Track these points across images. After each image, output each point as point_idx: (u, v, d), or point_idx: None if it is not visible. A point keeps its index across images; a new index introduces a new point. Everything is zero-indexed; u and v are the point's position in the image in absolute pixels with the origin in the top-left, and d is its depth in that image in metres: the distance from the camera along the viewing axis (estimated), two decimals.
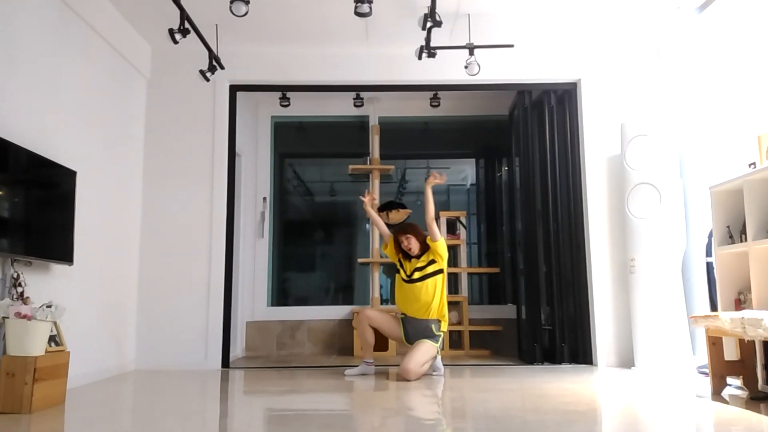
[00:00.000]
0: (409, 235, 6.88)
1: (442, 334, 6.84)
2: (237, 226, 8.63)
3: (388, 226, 7.42)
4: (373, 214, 7.24)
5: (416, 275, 6.84)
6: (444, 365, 7.14)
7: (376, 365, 7.03)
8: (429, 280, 6.80)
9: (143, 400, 5.45)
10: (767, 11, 5.99)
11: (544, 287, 8.09)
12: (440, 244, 6.81)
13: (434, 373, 6.86)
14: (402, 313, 6.98)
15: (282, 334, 9.53)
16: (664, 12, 7.13)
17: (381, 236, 7.34)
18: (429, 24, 6.42)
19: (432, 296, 6.79)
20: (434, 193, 7.01)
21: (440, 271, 6.84)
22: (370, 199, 7.25)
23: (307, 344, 9.51)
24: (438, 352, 6.82)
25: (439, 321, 6.83)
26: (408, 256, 6.94)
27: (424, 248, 6.89)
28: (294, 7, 7.02)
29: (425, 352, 6.62)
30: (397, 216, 9.20)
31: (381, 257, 9.35)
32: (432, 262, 6.84)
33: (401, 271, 6.99)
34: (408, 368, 6.40)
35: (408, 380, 6.36)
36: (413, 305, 6.86)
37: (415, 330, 6.82)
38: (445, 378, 6.65)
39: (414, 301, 6.84)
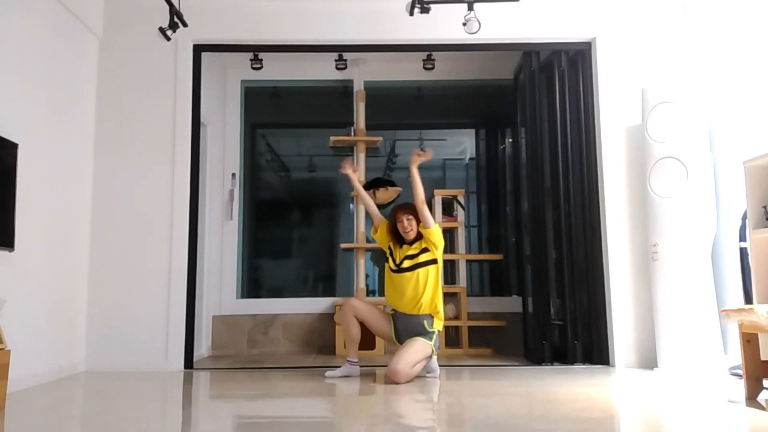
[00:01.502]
0: (411, 216, 6.84)
1: (436, 331, 6.81)
2: (202, 206, 8.61)
3: (379, 207, 7.39)
4: (360, 188, 7.20)
5: (406, 263, 6.80)
6: (440, 366, 7.12)
7: (361, 366, 7.00)
8: (420, 270, 6.75)
9: (94, 405, 5.42)
10: None
11: (553, 276, 8.07)
12: (434, 231, 6.75)
13: (428, 375, 6.84)
14: (392, 309, 6.96)
15: (253, 330, 9.50)
16: None
17: (369, 217, 7.29)
18: None
19: (423, 288, 6.74)
20: (424, 170, 6.97)
21: (434, 261, 6.80)
22: (353, 169, 7.19)
23: (283, 342, 9.49)
24: (433, 352, 6.78)
25: (432, 317, 6.80)
26: (401, 241, 6.91)
27: (417, 236, 6.87)
28: None
29: (417, 351, 6.58)
30: (386, 195, 9.19)
31: (368, 242, 9.34)
32: (425, 250, 6.81)
33: (390, 259, 6.96)
34: (397, 369, 6.33)
35: (397, 383, 6.31)
36: (402, 299, 6.82)
37: (405, 327, 6.79)
38: (441, 380, 6.65)
39: (402, 294, 6.81)
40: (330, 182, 10.51)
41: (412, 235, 6.82)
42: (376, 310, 7.00)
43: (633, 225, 7.75)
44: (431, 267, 6.78)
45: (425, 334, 6.71)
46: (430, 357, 6.77)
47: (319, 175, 10.68)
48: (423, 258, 6.78)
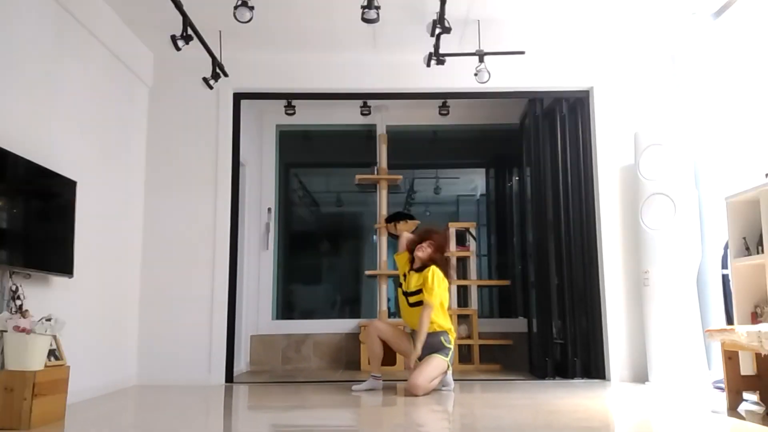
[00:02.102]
0: (427, 243, 6.89)
1: (452, 347, 6.82)
2: (241, 237, 8.61)
3: (397, 236, 7.43)
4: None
5: (411, 299, 6.88)
6: (454, 380, 7.10)
7: (383, 380, 7.00)
8: (419, 308, 6.80)
9: (145, 416, 5.45)
10: None
11: (555, 300, 8.04)
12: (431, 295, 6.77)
13: (444, 389, 6.84)
14: (411, 329, 6.97)
15: (287, 348, 9.51)
16: (679, 18, 7.12)
17: (391, 247, 7.30)
18: (438, 30, 6.42)
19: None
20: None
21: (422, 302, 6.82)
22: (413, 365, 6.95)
23: (313, 358, 9.49)
24: (449, 367, 6.79)
25: (447, 333, 6.82)
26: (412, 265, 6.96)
27: (424, 267, 6.89)
28: (299, 14, 7.03)
29: (435, 367, 6.59)
30: (405, 227, 9.17)
31: (389, 269, 9.35)
32: (420, 291, 6.82)
33: (403, 284, 7.01)
34: (416, 383, 6.35)
35: (416, 395, 6.32)
36: (414, 320, 6.85)
37: (427, 344, 6.75)
38: (455, 393, 6.65)
39: (414, 318, 6.82)
40: (356, 216, 10.56)
41: (418, 262, 6.88)
42: (397, 330, 7.02)
43: (626, 254, 7.73)
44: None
45: (443, 349, 6.70)
46: (446, 372, 6.80)
47: (346, 210, 10.74)
48: (418, 298, 6.81)
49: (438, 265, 6.86)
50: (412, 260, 7.00)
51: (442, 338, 6.75)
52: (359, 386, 6.88)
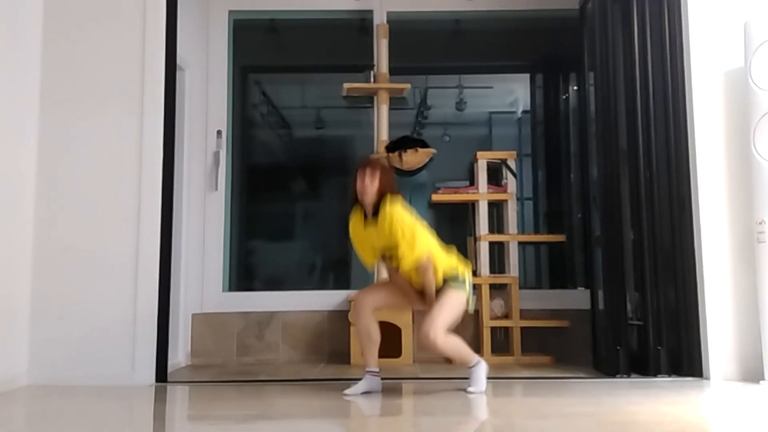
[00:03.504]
0: (368, 178, 6.76)
1: (467, 278, 6.86)
2: (179, 172, 8.57)
3: (403, 172, 7.37)
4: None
5: (393, 262, 6.85)
6: (487, 379, 7.09)
7: (384, 378, 6.98)
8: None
9: (38, 429, 5.43)
10: None
11: (631, 264, 8.03)
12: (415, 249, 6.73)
13: (470, 390, 6.82)
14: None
15: (245, 333, 9.53)
16: None
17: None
18: None
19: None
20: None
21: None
22: None
23: (282, 347, 9.52)
24: (470, 302, 6.86)
25: (454, 272, 6.82)
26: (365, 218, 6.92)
27: (377, 209, 6.82)
28: None
29: (452, 304, 6.66)
30: (415, 159, 9.18)
31: None
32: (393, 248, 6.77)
33: (385, 260, 7.01)
34: (428, 330, 6.42)
35: (433, 346, 6.42)
36: (416, 281, 6.88)
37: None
38: (487, 396, 6.64)
39: (411, 280, 6.88)
40: (344, 142, 10.52)
41: (368, 196, 6.77)
42: (391, 284, 7.01)
43: (733, 197, 7.69)
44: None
45: (455, 280, 6.74)
46: (467, 309, 6.85)
47: (330, 133, 10.69)
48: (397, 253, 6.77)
49: (389, 191, 6.82)
50: (365, 215, 6.97)
51: (451, 283, 6.77)
52: (354, 389, 6.81)
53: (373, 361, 6.91)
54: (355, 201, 6.89)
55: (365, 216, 6.84)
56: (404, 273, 6.78)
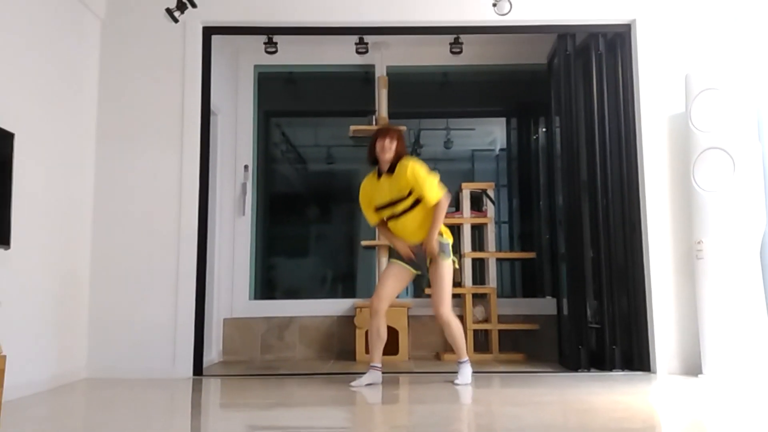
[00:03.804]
0: (388, 139, 6.90)
1: (449, 241, 6.95)
2: (212, 200, 8.61)
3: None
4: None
5: (399, 207, 6.88)
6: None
7: (384, 372, 6.98)
8: (417, 208, 6.85)
9: (95, 416, 5.44)
10: None
11: (590, 276, 8.06)
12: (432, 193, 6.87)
13: (457, 382, 6.83)
14: (397, 255, 7.05)
15: (267, 334, 9.52)
16: None
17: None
18: None
19: (424, 216, 6.86)
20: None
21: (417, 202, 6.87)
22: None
23: (299, 346, 9.51)
24: (455, 262, 7.01)
25: (441, 233, 6.93)
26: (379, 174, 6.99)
27: (394, 166, 6.92)
28: None
29: (446, 275, 6.88)
30: None
31: None
32: (406, 197, 6.84)
33: (385, 211, 7.00)
34: (440, 310, 6.83)
35: (441, 319, 6.86)
36: (405, 231, 6.95)
37: (421, 252, 6.92)
38: (470, 388, 6.64)
39: (404, 229, 6.94)
40: (349, 175, 10.51)
41: (389, 155, 6.86)
42: (391, 278, 7.01)
43: (676, 221, 7.71)
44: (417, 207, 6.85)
45: (443, 249, 6.84)
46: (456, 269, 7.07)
47: (338, 168, 10.71)
48: (406, 204, 6.84)
49: (404, 153, 6.99)
50: (378, 172, 7.00)
51: (440, 253, 6.86)
52: (359, 381, 6.84)
53: (378, 358, 6.92)
54: (372, 162, 7.01)
55: (379, 175, 6.93)
56: (404, 226, 6.86)
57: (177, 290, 7.61)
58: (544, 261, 9.96)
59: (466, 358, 6.94)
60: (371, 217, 7.12)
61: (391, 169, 6.86)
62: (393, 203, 6.84)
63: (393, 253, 7.07)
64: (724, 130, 7.18)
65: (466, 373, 6.89)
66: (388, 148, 6.83)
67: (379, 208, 6.94)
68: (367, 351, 7.03)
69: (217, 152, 9.15)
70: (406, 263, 6.94)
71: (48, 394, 6.36)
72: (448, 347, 9.15)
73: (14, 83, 6.18)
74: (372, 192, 7.00)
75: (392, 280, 6.96)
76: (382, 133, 6.92)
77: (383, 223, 7.07)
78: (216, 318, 9.17)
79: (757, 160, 7.16)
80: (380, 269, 9.41)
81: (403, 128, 9.57)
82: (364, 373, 6.92)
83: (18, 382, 6.03)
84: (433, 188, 6.76)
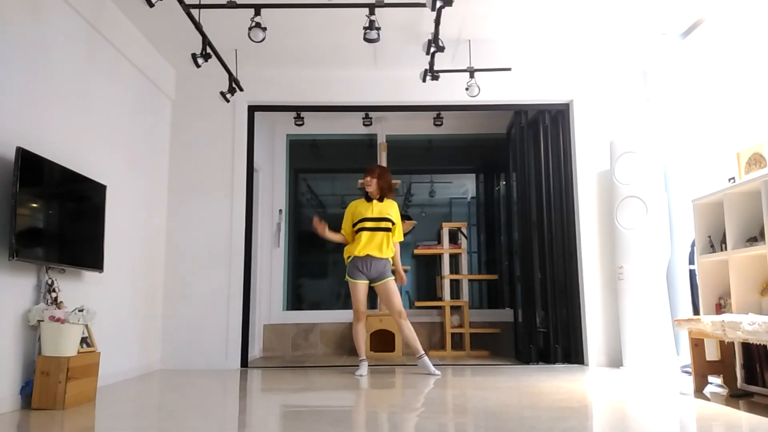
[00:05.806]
0: (368, 178, 7.08)
1: (391, 262, 7.13)
2: (255, 236, 8.66)
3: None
4: (329, 236, 7.19)
5: (374, 224, 7.02)
6: (446, 365, 7.10)
7: (382, 365, 7.01)
8: (386, 232, 7.03)
9: (168, 397, 5.45)
10: (744, 40, 6.01)
11: (539, 292, 8.04)
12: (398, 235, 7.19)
13: (422, 371, 6.94)
14: (353, 256, 7.06)
15: (296, 336, 9.52)
16: (651, 38, 7.14)
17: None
18: (432, 49, 6.43)
19: (387, 240, 7.03)
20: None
21: (389, 229, 7.05)
22: (322, 226, 7.12)
23: (320, 345, 9.50)
24: (394, 278, 7.10)
25: (389, 260, 7.06)
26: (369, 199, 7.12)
27: (382, 197, 7.12)
28: (308, 34, 7.05)
29: (396, 290, 7.01)
30: (404, 227, 9.20)
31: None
32: (384, 219, 7.02)
33: (367, 222, 7.05)
34: (401, 310, 6.92)
35: (400, 322, 6.90)
36: (371, 245, 6.98)
37: (377, 268, 6.97)
38: (447, 377, 6.62)
39: (371, 241, 6.98)
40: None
41: (371, 188, 7.05)
42: (360, 295, 7.02)
43: (603, 251, 7.76)
44: (388, 233, 7.02)
45: (388, 273, 7.00)
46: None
47: None
48: (385, 225, 6.99)
49: (387, 190, 7.12)
50: (368, 197, 7.12)
51: (388, 264, 7.04)
52: (360, 372, 6.87)
53: (363, 352, 7.08)
54: (363, 192, 7.17)
55: (369, 199, 7.07)
56: (373, 238, 6.96)
57: (228, 303, 7.65)
58: (504, 281, 9.93)
59: (422, 351, 6.98)
60: (345, 227, 7.18)
61: (381, 199, 7.05)
62: (378, 220, 6.97)
63: (350, 273, 7.02)
64: (639, 183, 7.24)
65: (429, 365, 6.91)
66: (368, 183, 7.04)
67: (365, 220, 7.00)
68: (371, 348, 7.03)
69: (259, 199, 9.19)
70: (363, 279, 6.99)
71: (132, 380, 6.37)
72: (432, 346, 9.20)
73: (107, 147, 6.26)
74: (359, 209, 7.10)
75: (362, 295, 7.00)
76: (366, 172, 7.10)
77: (339, 232, 7.18)
78: (258, 324, 9.17)
79: (663, 205, 7.21)
80: None
81: (398, 182, 9.63)
82: (357, 366, 7.10)
83: (110, 372, 6.07)
84: (401, 231, 7.17)
